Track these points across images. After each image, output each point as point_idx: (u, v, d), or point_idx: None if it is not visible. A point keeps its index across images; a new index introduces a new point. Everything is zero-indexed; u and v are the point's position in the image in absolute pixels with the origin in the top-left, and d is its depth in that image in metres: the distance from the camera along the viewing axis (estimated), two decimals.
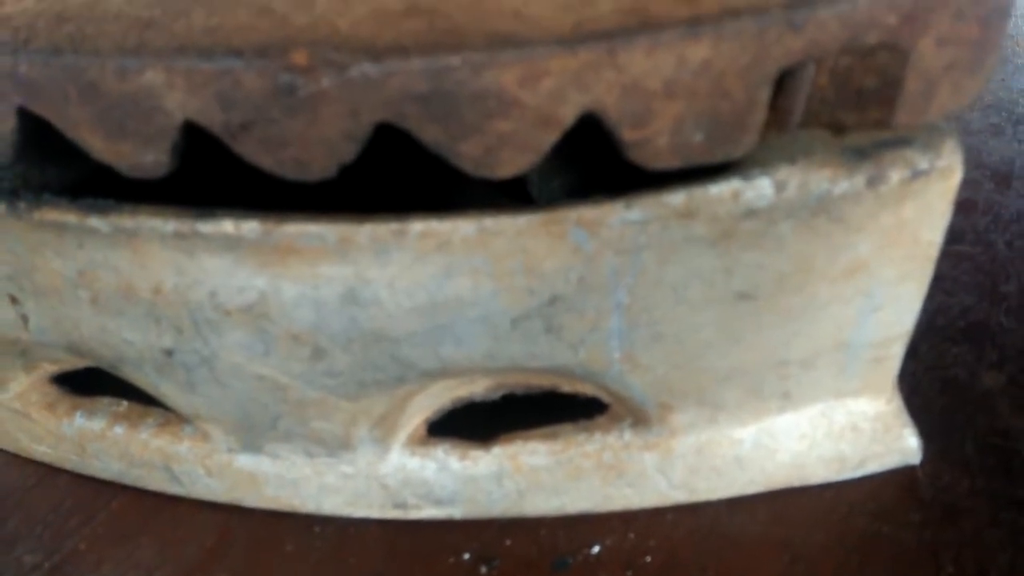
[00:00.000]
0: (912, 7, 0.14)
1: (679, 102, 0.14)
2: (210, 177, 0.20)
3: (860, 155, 0.16)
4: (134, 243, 0.18)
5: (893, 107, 0.15)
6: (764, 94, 0.14)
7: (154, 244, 0.17)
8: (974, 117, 0.36)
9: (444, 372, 0.19)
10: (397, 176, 0.25)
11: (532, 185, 0.25)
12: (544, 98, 0.13)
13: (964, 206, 0.32)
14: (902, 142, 0.17)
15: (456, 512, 0.22)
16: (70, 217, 0.17)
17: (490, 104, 0.13)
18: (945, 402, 0.24)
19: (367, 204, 0.18)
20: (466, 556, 0.21)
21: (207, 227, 0.17)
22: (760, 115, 0.15)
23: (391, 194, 0.24)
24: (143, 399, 0.23)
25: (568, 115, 0.14)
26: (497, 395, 0.22)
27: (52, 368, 0.24)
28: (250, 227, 0.17)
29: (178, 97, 0.14)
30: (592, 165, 0.22)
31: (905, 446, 0.22)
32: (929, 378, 0.25)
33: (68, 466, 0.25)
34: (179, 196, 0.18)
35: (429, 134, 0.14)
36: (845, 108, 0.15)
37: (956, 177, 0.17)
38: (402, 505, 0.22)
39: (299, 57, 0.13)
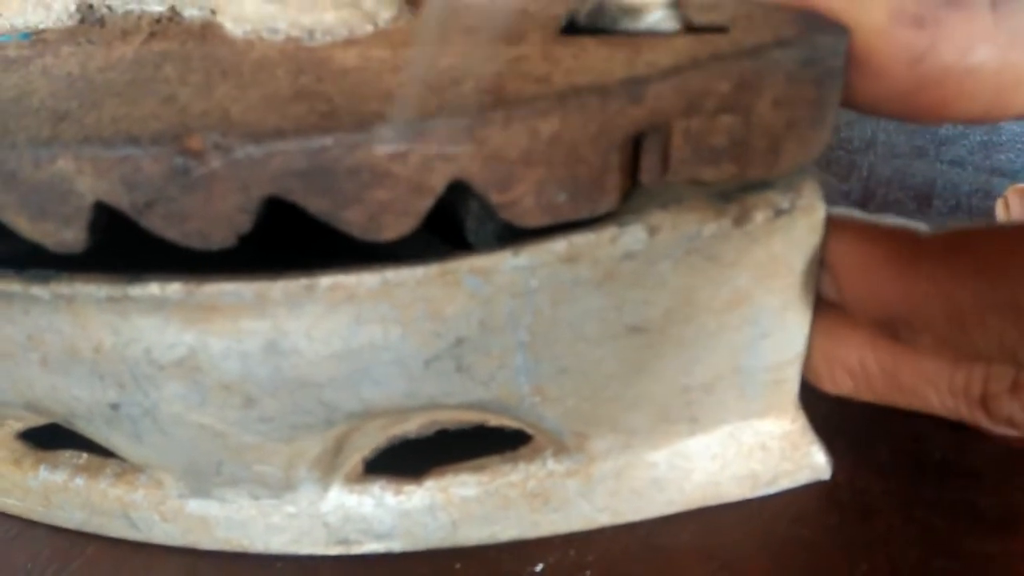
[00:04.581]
0: (743, 74, 0.16)
1: (538, 168, 0.15)
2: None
3: (725, 199, 0.18)
4: (73, 308, 0.19)
5: (743, 163, 0.17)
6: (616, 158, 0.16)
7: (91, 308, 0.19)
8: (900, 140, 0.38)
9: (368, 413, 0.21)
10: None
11: (469, 231, 0.27)
12: (414, 170, 0.15)
13: None
14: (764, 185, 0.18)
15: (395, 546, 0.23)
16: (15, 287, 0.19)
17: (365, 177, 0.15)
18: (862, 409, 0.26)
19: (315, 240, 0.19)
20: None
21: (136, 290, 0.18)
22: (615, 177, 0.16)
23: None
24: (102, 451, 0.24)
25: (438, 183, 0.15)
26: (431, 432, 0.23)
27: (18, 425, 0.26)
28: (174, 288, 0.18)
29: (88, 181, 0.15)
30: None
31: (814, 462, 0.23)
32: None
33: (35, 517, 0.26)
34: (124, 253, 0.19)
35: (315, 205, 0.15)
36: (702, 164, 0.17)
37: (819, 213, 0.19)
38: (344, 541, 0.23)
39: (191, 142, 0.15)
